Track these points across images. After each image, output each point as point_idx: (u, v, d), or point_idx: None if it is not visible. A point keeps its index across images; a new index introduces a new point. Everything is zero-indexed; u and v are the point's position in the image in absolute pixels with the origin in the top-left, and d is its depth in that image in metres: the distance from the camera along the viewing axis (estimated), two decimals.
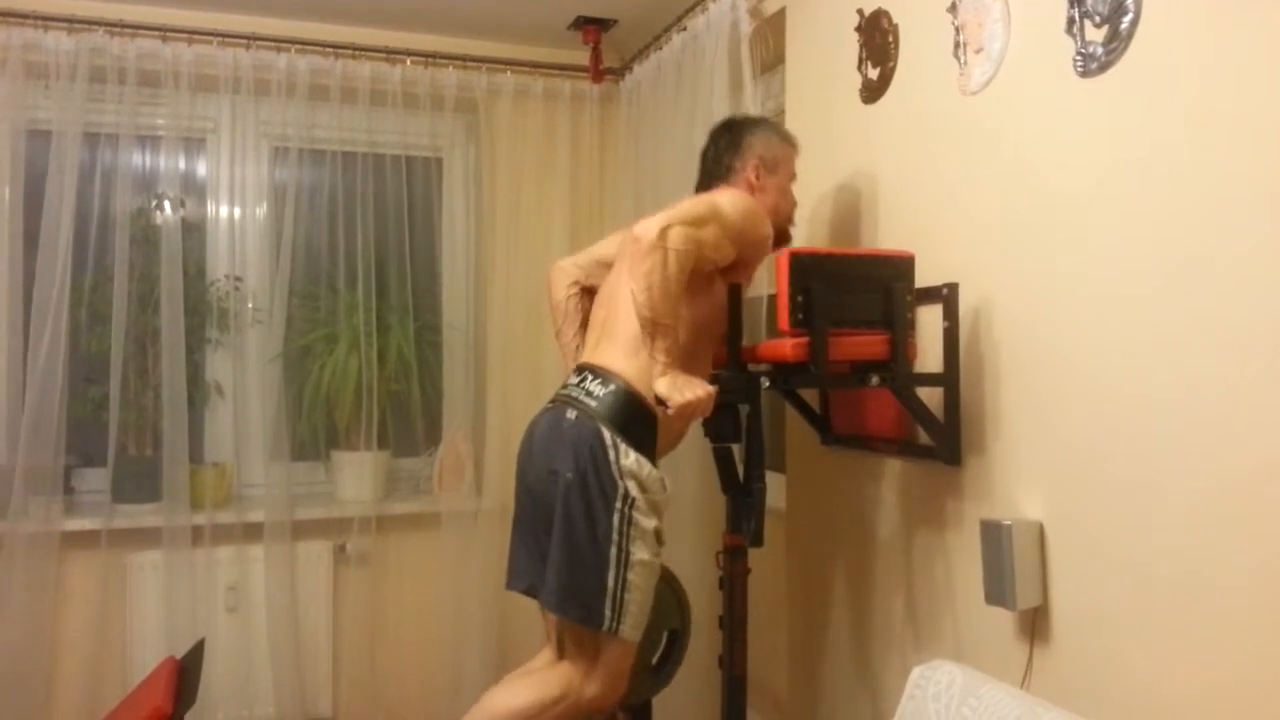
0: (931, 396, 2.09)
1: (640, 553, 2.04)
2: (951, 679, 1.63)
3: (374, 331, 3.37)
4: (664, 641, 2.44)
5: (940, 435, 2.06)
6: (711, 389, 1.95)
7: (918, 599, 2.21)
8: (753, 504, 2.17)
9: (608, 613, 2.02)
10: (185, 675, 2.50)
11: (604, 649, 2.08)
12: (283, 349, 3.31)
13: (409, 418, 3.49)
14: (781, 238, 2.28)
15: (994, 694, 1.54)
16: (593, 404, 2.07)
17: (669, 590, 2.45)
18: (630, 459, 2.03)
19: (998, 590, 1.83)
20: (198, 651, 2.62)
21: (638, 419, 2.07)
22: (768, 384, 2.09)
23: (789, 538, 2.76)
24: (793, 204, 2.31)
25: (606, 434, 2.04)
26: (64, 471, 3.09)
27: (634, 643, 2.10)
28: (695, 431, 2.45)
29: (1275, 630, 1.41)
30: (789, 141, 2.31)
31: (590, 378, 2.12)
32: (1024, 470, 1.88)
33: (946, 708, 1.59)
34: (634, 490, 2.02)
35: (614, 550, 2.02)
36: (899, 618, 2.28)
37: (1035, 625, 1.85)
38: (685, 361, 2.04)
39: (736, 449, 2.29)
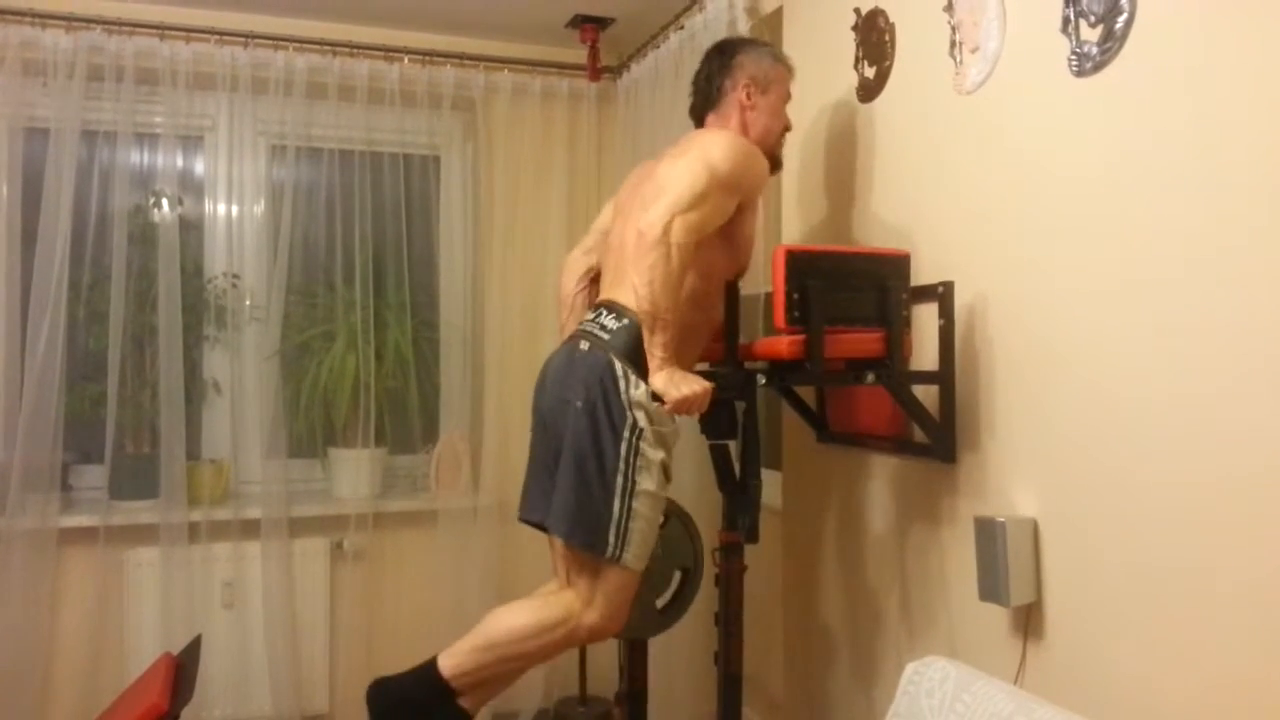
0: (927, 394, 2.09)
1: (646, 483, 2.04)
2: (945, 675, 1.63)
3: (371, 329, 3.37)
4: (675, 580, 2.44)
5: (935, 433, 2.07)
6: (708, 385, 1.96)
7: (912, 596, 2.22)
8: (748, 501, 2.17)
9: (612, 540, 2.03)
10: (182, 671, 2.50)
11: (606, 577, 2.08)
12: (280, 346, 3.31)
13: (406, 415, 3.49)
14: (772, 163, 2.27)
15: (987, 690, 1.55)
16: (606, 336, 2.09)
17: (682, 528, 2.45)
18: (640, 390, 2.03)
19: (992, 587, 1.84)
20: (194, 648, 2.63)
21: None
22: (764, 381, 2.09)
23: (785, 535, 2.76)
24: (785, 125, 2.30)
25: (618, 365, 2.04)
26: (61, 468, 3.09)
27: (636, 572, 2.09)
28: (692, 428, 2.46)
29: (1268, 627, 1.42)
30: (782, 62, 2.29)
31: (605, 313, 2.13)
32: (1019, 467, 1.89)
33: (940, 704, 1.60)
34: (642, 421, 2.03)
35: (620, 479, 2.03)
36: (894, 614, 2.28)
37: (1029, 622, 1.85)
38: (682, 335, 2.05)
39: (732, 446, 2.30)
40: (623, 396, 2.03)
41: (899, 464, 2.27)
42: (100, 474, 3.17)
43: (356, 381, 3.35)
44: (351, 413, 3.37)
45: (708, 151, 2.09)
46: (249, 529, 3.24)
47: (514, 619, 2.14)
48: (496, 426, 3.47)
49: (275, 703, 3.22)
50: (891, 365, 2.04)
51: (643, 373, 2.04)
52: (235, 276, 3.37)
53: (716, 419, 2.22)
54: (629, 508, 2.03)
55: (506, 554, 3.39)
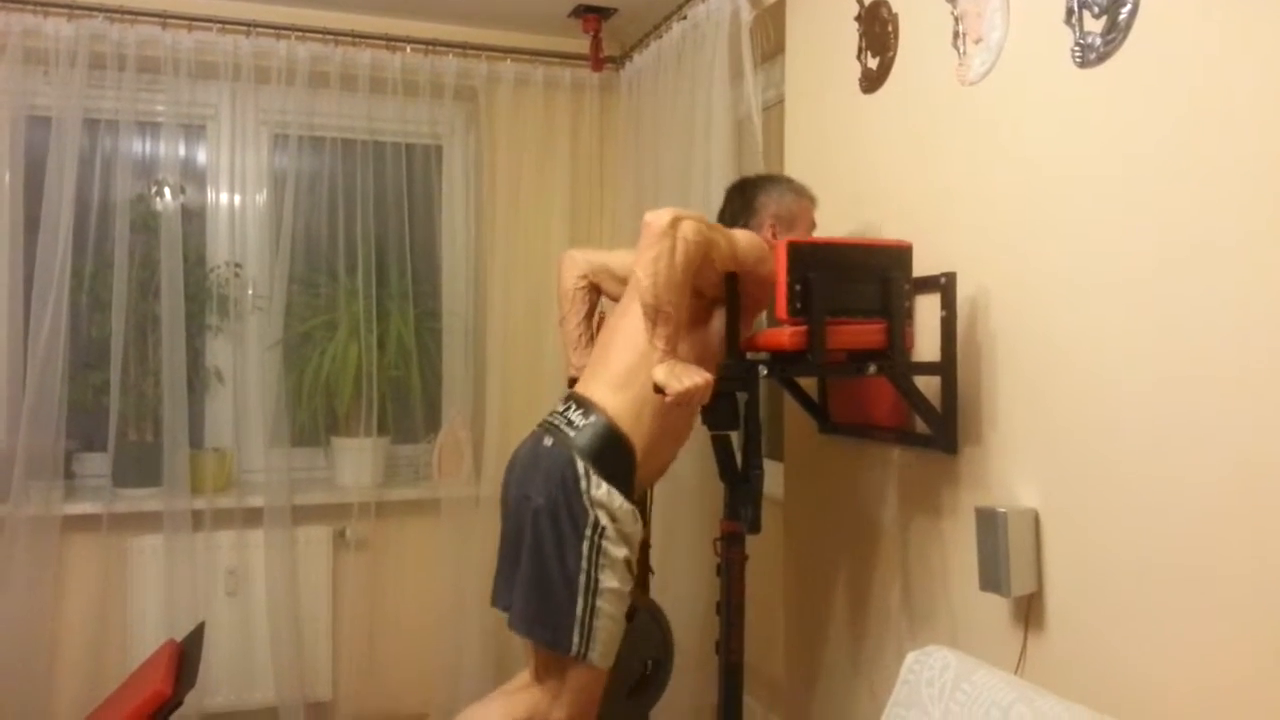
0: (928, 385, 2.10)
1: (610, 581, 2.06)
2: (945, 664, 1.64)
3: (374, 318, 3.38)
4: (647, 670, 2.46)
5: (937, 424, 2.07)
6: (709, 377, 1.96)
7: (913, 586, 2.22)
8: (751, 491, 2.18)
9: (576, 639, 2.05)
10: (185, 658, 2.52)
11: (572, 675, 2.11)
12: (283, 335, 3.32)
13: (408, 404, 3.50)
14: None
15: (987, 679, 1.56)
16: (571, 434, 2.11)
17: (650, 621, 2.48)
18: (601, 490, 2.06)
19: (993, 577, 1.84)
20: (198, 635, 2.64)
21: (613, 452, 2.09)
22: (766, 372, 2.10)
23: (786, 525, 2.77)
24: None
25: (580, 464, 2.06)
26: (65, 456, 3.10)
27: (603, 670, 2.12)
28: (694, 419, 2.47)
29: (1268, 619, 1.43)
30: (803, 195, 2.32)
31: (574, 407, 2.16)
32: (1020, 458, 1.90)
33: (940, 692, 1.61)
34: (604, 519, 2.06)
35: (583, 578, 2.05)
36: (894, 604, 2.29)
37: (1029, 612, 1.86)
38: (664, 416, 2.10)
39: (735, 437, 2.30)
40: (584, 496, 2.05)
41: (900, 455, 2.28)
42: (103, 462, 3.18)
43: (359, 371, 3.35)
44: (354, 402, 3.38)
45: (730, 230, 2.13)
46: (252, 517, 3.25)
47: (484, 718, 2.18)
48: (498, 415, 3.48)
49: (278, 690, 3.24)
50: (893, 356, 2.05)
51: (606, 472, 2.06)
52: (238, 265, 3.37)
53: (718, 411, 2.23)
54: (593, 606, 2.05)
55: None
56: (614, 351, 2.19)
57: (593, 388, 2.18)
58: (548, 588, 2.05)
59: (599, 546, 2.05)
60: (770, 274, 2.11)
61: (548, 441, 2.13)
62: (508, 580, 2.19)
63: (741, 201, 2.30)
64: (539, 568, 2.06)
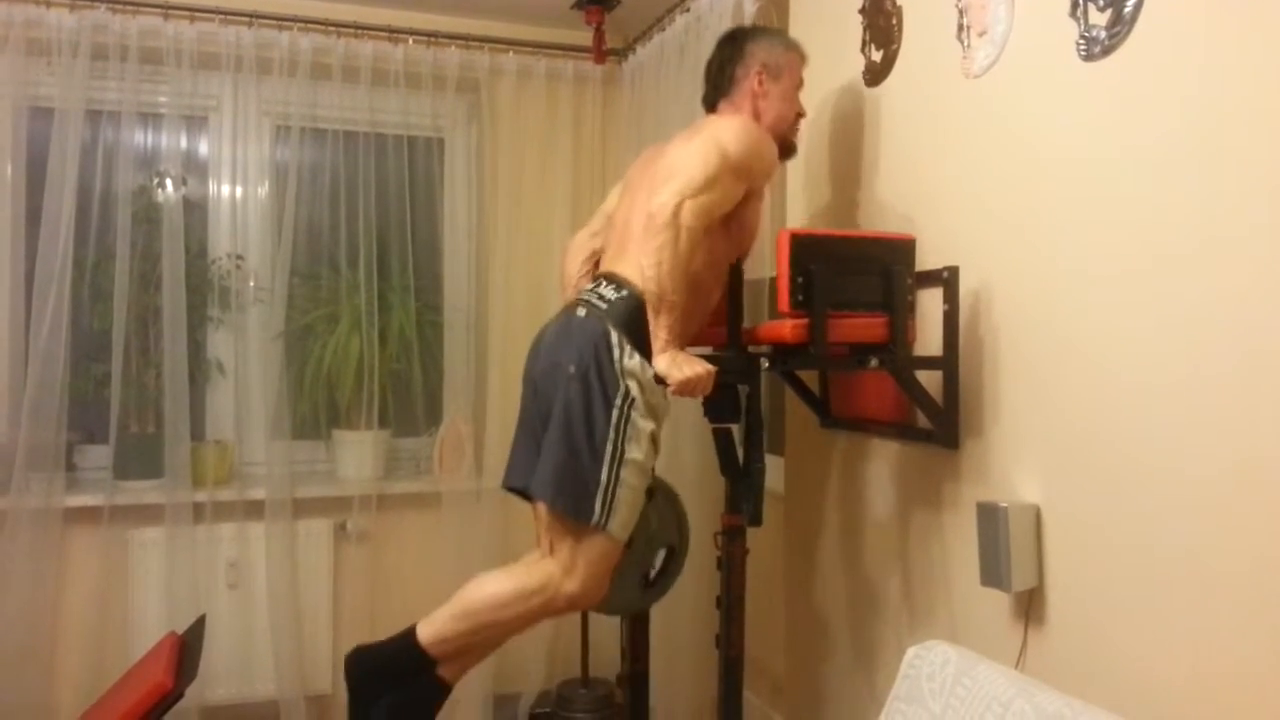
0: (930, 380, 2.09)
1: (634, 452, 2.04)
2: (946, 659, 1.64)
3: (375, 311, 3.37)
4: (660, 558, 2.44)
5: (939, 418, 2.07)
6: (711, 368, 1.96)
7: (914, 580, 2.22)
8: (752, 485, 2.17)
9: (598, 507, 2.02)
10: (186, 651, 2.52)
11: (588, 544, 2.07)
12: (284, 328, 3.32)
13: (410, 397, 3.50)
14: (786, 149, 2.29)
15: (988, 674, 1.55)
16: (604, 306, 2.09)
17: (669, 506, 2.46)
18: (634, 360, 2.04)
19: (993, 572, 1.84)
20: (199, 627, 2.64)
21: (645, 325, 2.05)
22: (767, 365, 2.09)
23: (787, 519, 2.77)
24: (798, 112, 2.30)
25: (614, 333, 2.05)
26: (66, 448, 3.10)
27: (619, 541, 2.09)
28: (695, 412, 2.46)
29: (1269, 614, 1.42)
30: (793, 48, 2.30)
31: (605, 283, 2.14)
32: (1022, 454, 1.89)
33: (941, 687, 1.60)
34: (634, 390, 2.03)
35: (609, 447, 2.03)
36: (895, 598, 2.29)
37: (1030, 607, 1.86)
38: (690, 286, 2.06)
39: (735, 431, 2.30)
40: (616, 365, 2.03)
41: (902, 449, 2.27)
42: (105, 454, 3.18)
43: (360, 364, 3.35)
44: (355, 395, 3.38)
45: (720, 135, 2.09)
46: (253, 509, 3.25)
47: (492, 586, 2.13)
48: (500, 410, 3.47)
49: (279, 682, 3.24)
50: (895, 350, 2.04)
51: (638, 343, 2.04)
52: (239, 258, 3.37)
53: (720, 402, 2.22)
54: (616, 475, 2.03)
55: (509, 537, 3.39)
56: (635, 228, 2.16)
57: (621, 264, 2.16)
58: (574, 454, 2.03)
59: (628, 416, 2.03)
60: (769, 160, 2.15)
61: (581, 312, 2.11)
62: (523, 458, 2.17)
63: (731, 49, 2.27)
64: (566, 434, 2.04)
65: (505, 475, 2.26)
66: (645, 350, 2.05)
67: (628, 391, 2.03)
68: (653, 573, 2.44)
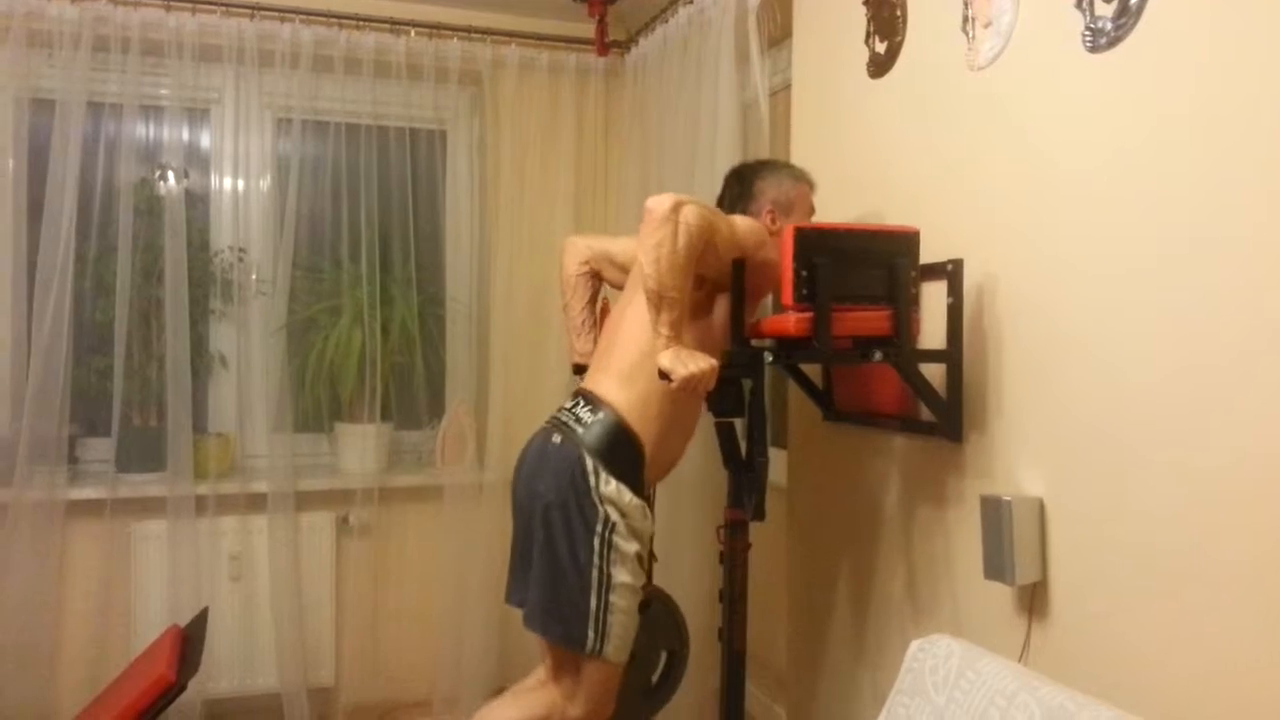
0: (934, 373, 2.08)
1: (622, 575, 2.06)
2: (950, 653, 1.64)
3: (377, 304, 3.37)
4: (662, 662, 2.46)
5: (942, 412, 2.06)
6: (714, 362, 1.95)
7: (917, 574, 2.22)
8: (755, 479, 2.17)
9: (591, 635, 2.05)
10: (189, 643, 2.52)
11: (588, 671, 2.10)
12: (286, 321, 3.32)
13: (412, 390, 3.50)
14: None
15: (992, 668, 1.55)
16: (579, 431, 2.10)
17: (665, 612, 2.47)
18: (610, 486, 2.05)
19: (997, 566, 1.83)
20: (201, 620, 2.65)
21: (622, 449, 2.08)
22: (771, 359, 2.09)
23: (790, 513, 2.76)
24: None
25: (589, 460, 2.06)
26: (68, 441, 3.11)
27: (618, 665, 2.12)
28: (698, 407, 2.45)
29: (1274, 607, 1.42)
30: (802, 180, 2.31)
31: (582, 404, 2.15)
32: (1026, 447, 1.89)
33: (944, 681, 1.60)
34: (614, 515, 2.05)
35: (595, 573, 2.05)
36: (898, 592, 2.29)
37: (1034, 601, 1.85)
38: (672, 410, 2.09)
39: (739, 424, 2.29)
40: (594, 493, 2.05)
41: (905, 443, 2.27)
42: (107, 447, 3.18)
43: (362, 357, 3.35)
44: (357, 388, 3.38)
45: (728, 215, 2.13)
46: (255, 502, 3.25)
47: (500, 716, 2.17)
48: (502, 402, 3.48)
49: (281, 675, 3.24)
50: (899, 344, 2.03)
51: (615, 468, 2.06)
52: (241, 250, 3.37)
53: (723, 397, 2.22)
54: (606, 601, 2.05)
55: (510, 529, 3.39)
56: (619, 345, 2.18)
57: (600, 382, 2.17)
58: (561, 584, 2.05)
59: (610, 542, 2.04)
60: (770, 260, 2.11)
61: (556, 439, 2.12)
62: (520, 577, 2.19)
63: (740, 188, 2.29)
64: (552, 564, 2.06)
65: (506, 591, 2.28)
66: (623, 476, 2.07)
67: (608, 517, 2.05)
68: (654, 681, 2.45)
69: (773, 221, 2.23)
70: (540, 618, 2.09)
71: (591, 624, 2.04)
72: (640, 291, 2.12)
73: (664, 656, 2.46)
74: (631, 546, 2.07)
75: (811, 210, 2.32)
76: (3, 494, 2.99)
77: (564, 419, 2.15)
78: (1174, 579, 1.57)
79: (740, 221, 2.12)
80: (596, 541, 2.04)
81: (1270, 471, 1.42)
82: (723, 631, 2.26)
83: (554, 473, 2.08)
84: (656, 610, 2.42)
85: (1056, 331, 1.81)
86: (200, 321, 3.37)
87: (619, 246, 2.47)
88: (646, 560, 2.14)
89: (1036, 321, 1.86)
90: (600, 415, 2.10)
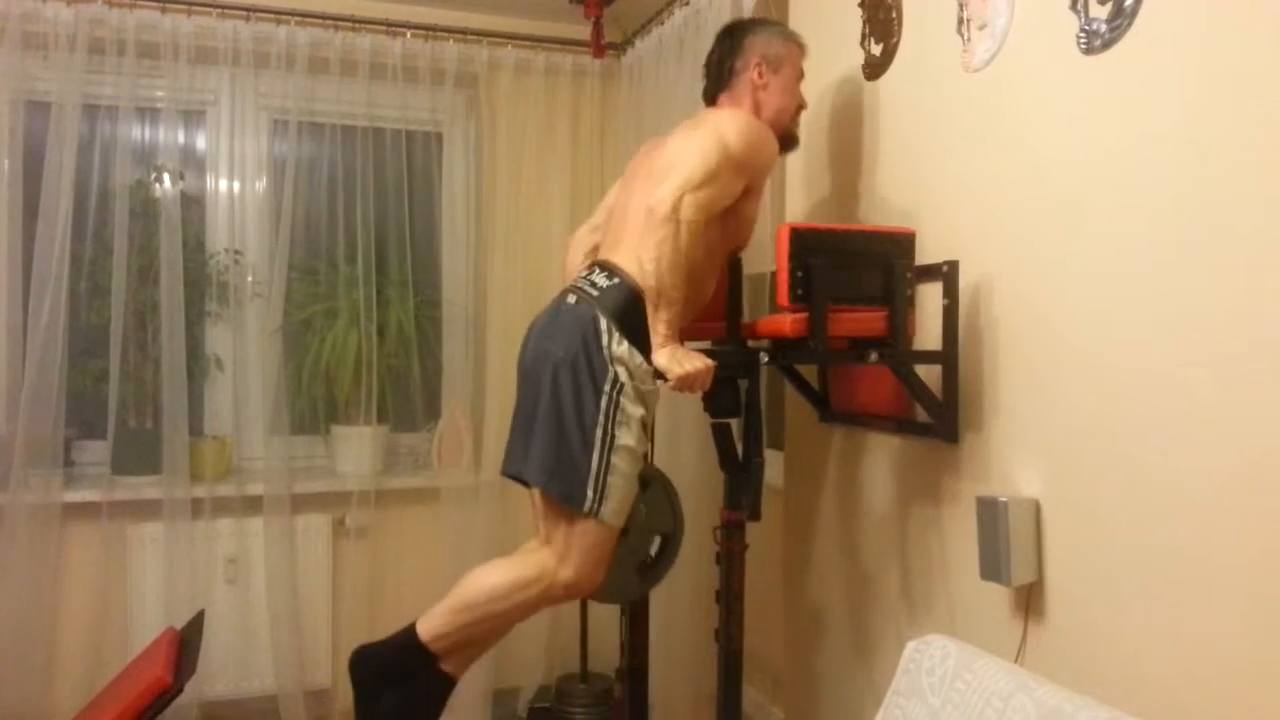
0: (930, 374, 2.09)
1: (625, 438, 2.04)
2: (946, 653, 1.64)
3: (374, 306, 3.37)
4: (655, 545, 2.45)
5: (938, 412, 2.06)
6: (710, 362, 1.96)
7: (913, 574, 2.22)
8: (751, 479, 2.17)
9: (590, 493, 2.03)
10: (185, 646, 2.52)
11: (582, 531, 2.07)
12: (282, 323, 3.31)
13: (408, 393, 3.50)
14: (788, 141, 2.29)
15: (988, 668, 1.55)
16: (595, 293, 2.09)
17: (663, 493, 2.46)
18: (623, 347, 2.04)
19: (993, 566, 1.84)
20: (198, 622, 2.64)
21: (636, 311, 2.06)
22: (767, 359, 2.09)
23: (786, 514, 2.77)
24: (799, 103, 2.29)
25: (603, 320, 2.05)
26: (64, 443, 3.09)
27: (614, 528, 2.09)
28: (694, 407, 2.46)
29: (1269, 608, 1.42)
30: (792, 40, 2.29)
31: (598, 271, 2.14)
32: (1022, 448, 1.89)
33: (940, 681, 1.60)
34: (623, 376, 2.03)
35: (599, 432, 2.03)
36: (895, 593, 2.29)
37: (1030, 601, 1.86)
38: (686, 282, 2.05)
39: (735, 426, 2.29)
40: (605, 351, 2.03)
41: (901, 443, 2.27)
42: (103, 449, 3.17)
43: (359, 359, 3.35)
44: (354, 390, 3.37)
45: (720, 129, 2.09)
46: (251, 505, 3.25)
47: (489, 578, 2.13)
48: (498, 404, 3.47)
49: (278, 677, 3.24)
50: (895, 344, 2.04)
51: (628, 331, 2.04)
52: (237, 252, 3.36)
53: (719, 397, 2.22)
54: (607, 461, 2.03)
55: (508, 531, 3.39)
56: (631, 220, 2.16)
57: (615, 253, 2.16)
58: (564, 440, 2.03)
59: (617, 402, 2.03)
60: (770, 155, 2.14)
61: (571, 299, 2.11)
62: (520, 444, 2.16)
63: (730, 43, 2.26)
64: (557, 421, 2.04)
65: (504, 460, 2.26)
66: (635, 338, 2.05)
67: (616, 377, 2.03)
68: (648, 560, 2.44)
69: (760, 76, 2.22)
70: (541, 473, 2.06)
71: (592, 482, 2.03)
72: (643, 174, 2.17)
73: (657, 540, 2.45)
74: (637, 410, 2.05)
75: (800, 73, 2.30)
76: None
77: (580, 284, 2.14)
78: (1170, 579, 1.57)
79: (732, 136, 2.07)
80: (604, 401, 2.02)
81: (1266, 472, 1.43)
82: (719, 632, 2.25)
83: (566, 331, 2.07)
84: (654, 490, 2.42)
85: (1052, 332, 1.81)
86: (196, 324, 3.36)
87: (611, 196, 2.46)
88: (650, 427, 2.11)
89: (1032, 322, 1.86)
90: (616, 280, 2.09)
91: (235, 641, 3.23)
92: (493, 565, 2.18)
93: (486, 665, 3.40)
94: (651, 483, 2.40)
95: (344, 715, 3.37)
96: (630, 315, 2.05)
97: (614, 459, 2.04)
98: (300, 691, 3.26)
